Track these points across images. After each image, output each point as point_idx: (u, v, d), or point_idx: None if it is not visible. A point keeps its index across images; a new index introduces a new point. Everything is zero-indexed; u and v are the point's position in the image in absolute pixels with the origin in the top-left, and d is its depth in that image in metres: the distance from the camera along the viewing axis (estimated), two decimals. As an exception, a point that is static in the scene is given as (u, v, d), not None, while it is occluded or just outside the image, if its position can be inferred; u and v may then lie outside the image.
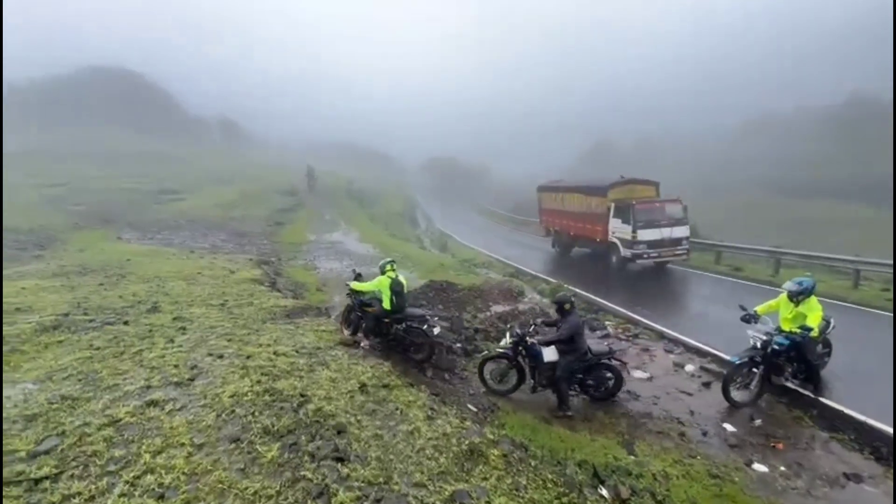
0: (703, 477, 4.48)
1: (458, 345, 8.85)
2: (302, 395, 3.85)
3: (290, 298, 9.45)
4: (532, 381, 6.19)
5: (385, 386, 4.30)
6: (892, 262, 10.96)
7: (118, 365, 4.49)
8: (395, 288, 6.32)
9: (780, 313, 5.98)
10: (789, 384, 6.04)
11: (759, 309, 6.16)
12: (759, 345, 5.82)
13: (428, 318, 6.39)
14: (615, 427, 5.78)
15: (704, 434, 5.47)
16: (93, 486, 2.63)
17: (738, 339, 6.68)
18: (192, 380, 4.15)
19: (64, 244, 15.16)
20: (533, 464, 3.46)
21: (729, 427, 5.54)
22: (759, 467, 4.74)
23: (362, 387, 4.20)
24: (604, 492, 3.90)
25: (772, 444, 5.15)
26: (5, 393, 3.89)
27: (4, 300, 7.39)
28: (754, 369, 5.89)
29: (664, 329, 9.74)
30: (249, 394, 3.77)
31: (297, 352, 5.15)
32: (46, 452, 2.93)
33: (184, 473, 2.75)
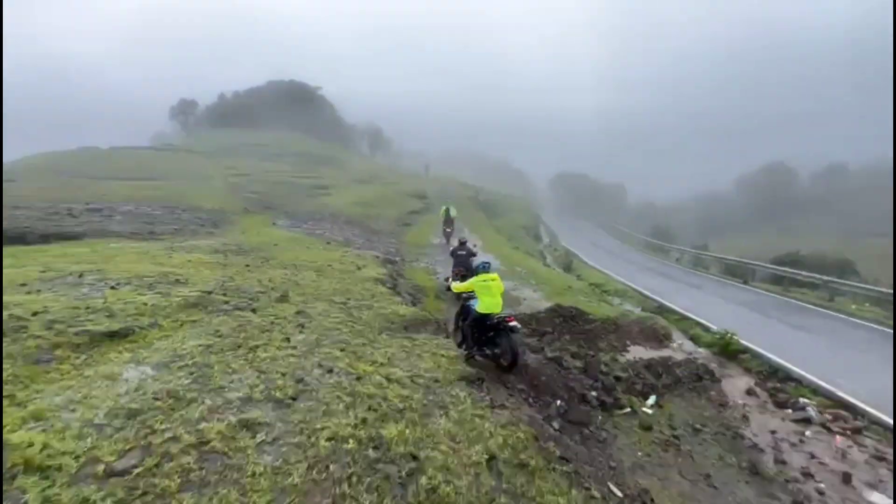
0: None
1: (594, 393, 7.23)
2: (413, 458, 2.90)
3: (409, 305, 8.91)
4: None
5: (523, 465, 3.12)
6: None
7: (231, 362, 4.15)
8: (446, 214, 18.89)
9: None
10: None
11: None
12: None
13: None
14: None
15: None
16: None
17: None
18: (294, 398, 3.55)
19: (232, 225, 17.50)
20: None
21: None
22: None
23: (491, 459, 3.10)
24: None
25: None
26: (128, 374, 3.75)
27: (172, 270, 8.22)
28: None
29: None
30: (351, 440, 2.96)
31: (412, 380, 4.29)
32: (121, 474, 2.44)
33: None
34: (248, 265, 9.49)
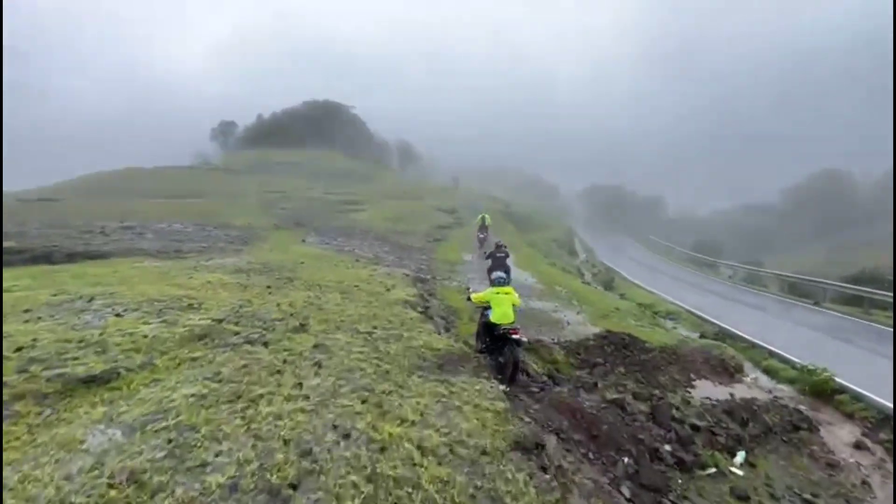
0: None
1: (668, 447, 5.95)
2: None
3: (443, 333, 7.93)
4: None
5: None
6: None
7: (224, 421, 3.28)
8: (482, 222, 20.27)
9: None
10: None
11: None
12: None
13: None
14: None
15: None
16: None
17: None
18: (295, 486, 2.62)
19: (261, 242, 17.15)
20: None
21: None
22: None
23: None
24: None
25: None
26: (92, 440, 2.94)
27: (188, 292, 7.60)
28: None
29: None
30: (367, 578, 1.98)
31: (452, 451, 3.28)
32: None
33: None
34: (269, 286, 8.81)
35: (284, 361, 4.74)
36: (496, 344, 6.55)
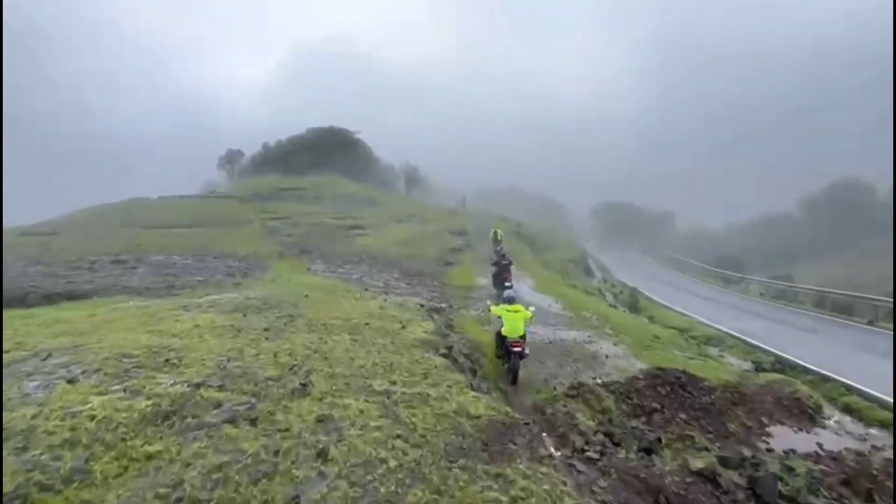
0: None
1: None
2: None
3: (474, 381, 6.60)
4: None
5: None
6: None
7: None
8: (494, 236, 21.99)
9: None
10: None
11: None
12: None
13: None
14: None
15: None
16: None
17: None
18: None
19: (264, 272, 16.00)
20: None
21: None
22: None
23: None
24: None
25: None
26: None
27: (169, 342, 6.37)
28: None
29: None
30: None
31: None
32: None
33: None
34: (266, 329, 7.55)
35: (277, 452, 3.44)
36: (507, 353, 7.82)
